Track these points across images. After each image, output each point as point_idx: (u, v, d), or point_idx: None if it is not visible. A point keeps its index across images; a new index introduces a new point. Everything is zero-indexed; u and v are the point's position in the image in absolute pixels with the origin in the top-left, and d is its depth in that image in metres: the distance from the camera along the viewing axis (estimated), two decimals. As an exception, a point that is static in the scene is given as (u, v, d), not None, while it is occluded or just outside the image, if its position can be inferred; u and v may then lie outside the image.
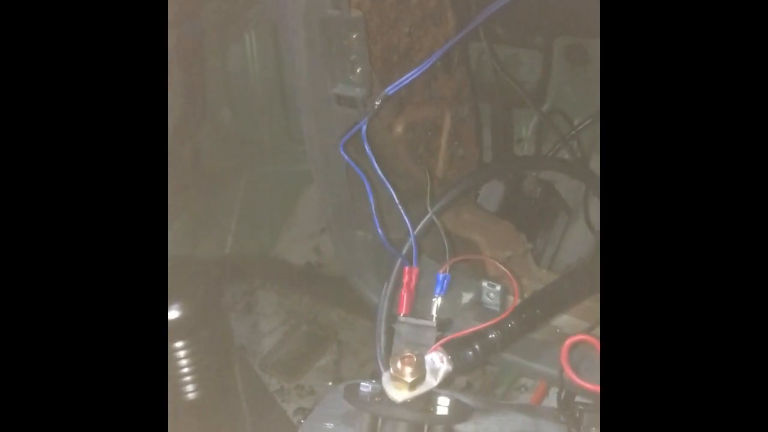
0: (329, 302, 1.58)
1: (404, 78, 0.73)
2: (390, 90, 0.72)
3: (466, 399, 0.80)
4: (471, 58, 1.31)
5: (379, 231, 0.70)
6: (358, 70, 0.75)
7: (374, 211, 0.70)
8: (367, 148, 0.70)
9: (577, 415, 0.68)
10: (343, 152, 0.70)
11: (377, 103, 0.73)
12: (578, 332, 0.78)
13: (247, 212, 1.61)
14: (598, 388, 0.62)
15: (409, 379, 0.64)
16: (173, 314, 0.97)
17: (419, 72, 0.73)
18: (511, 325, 0.69)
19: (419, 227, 0.85)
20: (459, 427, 0.73)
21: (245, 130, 1.55)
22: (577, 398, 0.76)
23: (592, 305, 0.94)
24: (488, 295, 0.82)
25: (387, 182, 0.73)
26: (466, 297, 0.87)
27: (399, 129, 0.94)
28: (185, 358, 1.00)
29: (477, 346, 0.68)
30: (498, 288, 0.81)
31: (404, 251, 0.75)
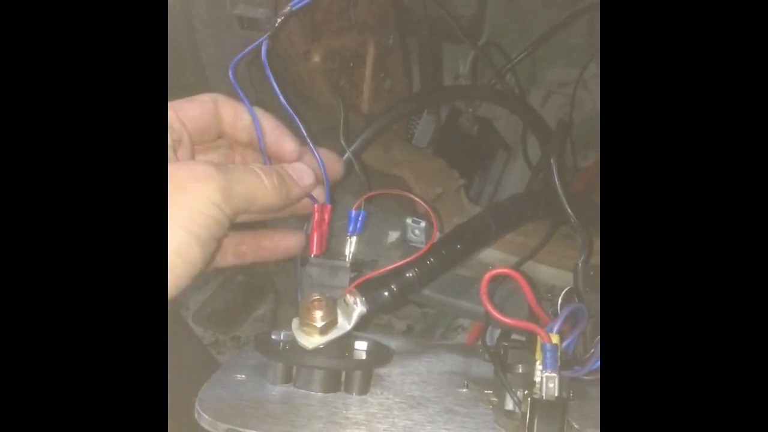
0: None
1: (310, -7, 0.66)
2: (295, 5, 0.65)
3: (396, 342, 0.76)
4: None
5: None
6: (258, -13, 0.67)
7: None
8: (267, 71, 0.63)
9: (502, 352, 0.65)
10: (232, 77, 0.63)
11: (279, 20, 0.65)
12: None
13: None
14: (515, 322, 0.58)
15: (319, 323, 0.59)
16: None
17: (325, -13, 0.65)
18: (430, 262, 0.65)
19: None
20: (383, 370, 0.69)
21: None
22: (514, 336, 0.73)
23: (524, 240, 0.90)
24: (413, 233, 0.77)
25: (294, 114, 0.66)
26: (393, 236, 0.82)
27: (317, 58, 0.87)
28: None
29: (393, 286, 0.64)
30: (423, 224, 0.76)
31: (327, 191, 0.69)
